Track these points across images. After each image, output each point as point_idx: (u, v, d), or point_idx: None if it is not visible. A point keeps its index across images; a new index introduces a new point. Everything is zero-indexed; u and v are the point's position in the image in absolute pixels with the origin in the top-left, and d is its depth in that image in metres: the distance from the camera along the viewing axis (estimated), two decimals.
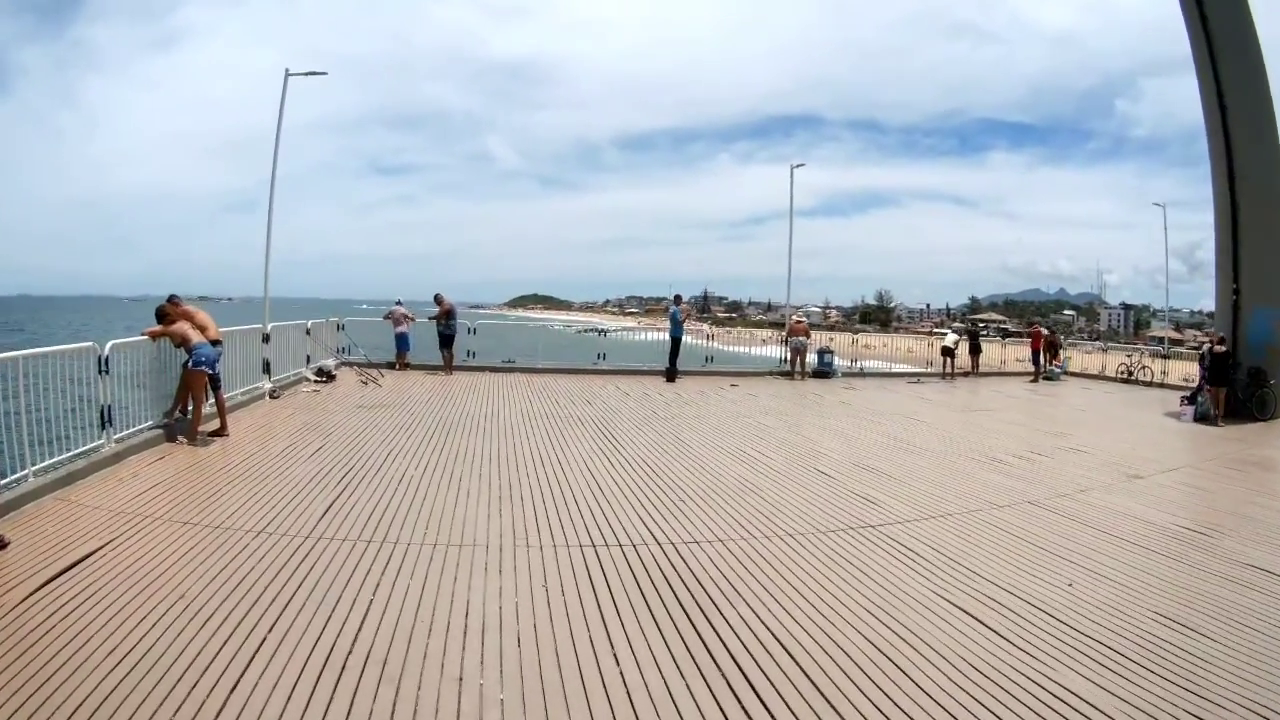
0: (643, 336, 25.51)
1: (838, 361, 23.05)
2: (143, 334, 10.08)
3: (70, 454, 8.14)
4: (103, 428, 8.85)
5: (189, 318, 10.59)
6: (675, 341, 19.85)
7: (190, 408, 10.30)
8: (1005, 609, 5.47)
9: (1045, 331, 25.21)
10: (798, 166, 23.92)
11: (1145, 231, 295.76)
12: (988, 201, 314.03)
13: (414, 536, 6.62)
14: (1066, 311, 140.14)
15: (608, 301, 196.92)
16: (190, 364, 10.04)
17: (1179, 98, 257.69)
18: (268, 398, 13.81)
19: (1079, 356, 28.40)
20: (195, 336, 10.22)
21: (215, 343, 10.75)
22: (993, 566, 6.39)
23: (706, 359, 22.07)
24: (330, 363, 17.47)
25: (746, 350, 26.35)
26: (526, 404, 14.30)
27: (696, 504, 7.94)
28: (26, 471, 7.36)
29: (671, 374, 19.53)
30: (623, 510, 7.64)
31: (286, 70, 15.47)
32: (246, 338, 13.73)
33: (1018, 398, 19.65)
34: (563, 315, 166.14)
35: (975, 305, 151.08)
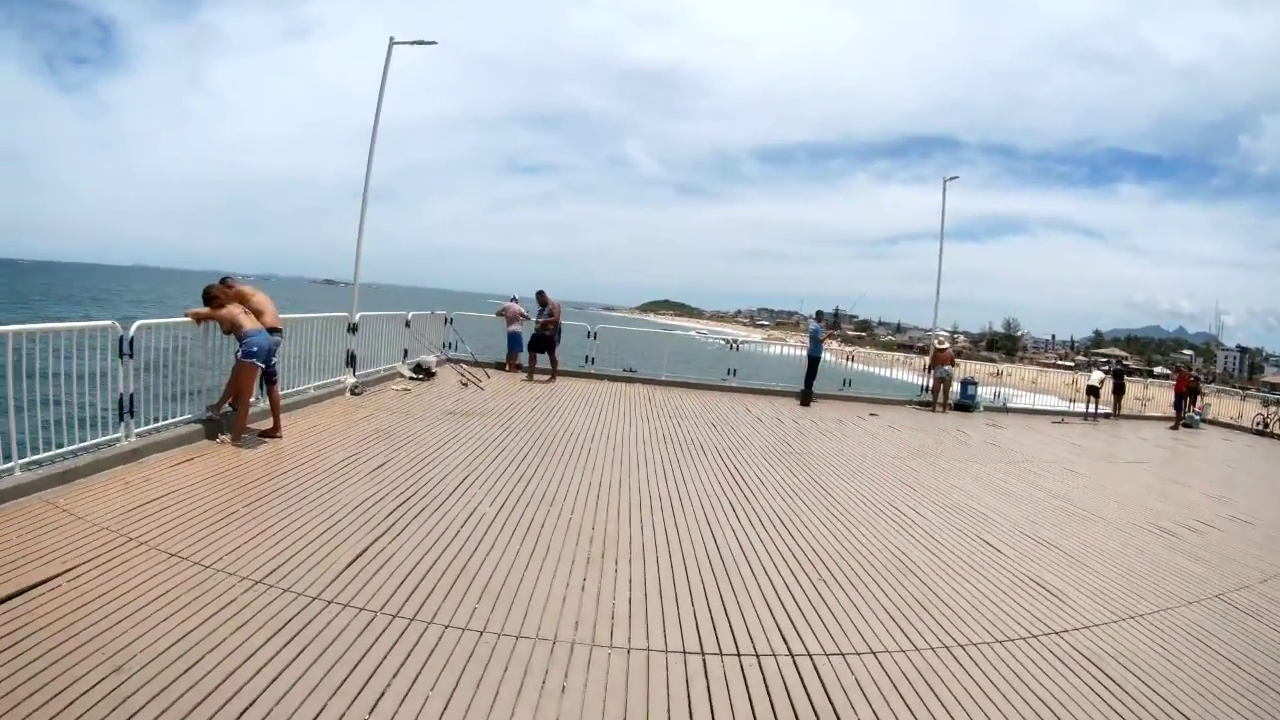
0: (774, 350, 23.12)
1: (980, 393, 20.35)
2: (185, 314, 8.54)
3: (74, 447, 6.70)
4: (121, 419, 7.35)
5: (243, 300, 8.90)
6: (813, 362, 17.70)
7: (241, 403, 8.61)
8: None
9: (1191, 375, 23.37)
10: (951, 179, 21.14)
11: (1262, 273, 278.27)
12: (1114, 234, 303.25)
13: (456, 615, 4.64)
14: (1185, 351, 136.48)
15: (739, 312, 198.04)
16: (240, 354, 8.37)
17: None
18: (348, 394, 12.20)
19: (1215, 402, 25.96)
20: (249, 323, 8.52)
21: (273, 330, 9.06)
22: (1207, 707, 4.57)
23: (844, 382, 19.51)
24: (431, 359, 15.76)
25: (884, 373, 23.73)
26: (643, 422, 12.23)
27: (841, 587, 5.77)
28: (12, 464, 6.02)
29: (807, 397, 17.29)
30: (747, 592, 5.47)
31: (391, 38, 13.88)
32: (330, 327, 12.23)
33: (1165, 447, 17.52)
34: (694, 323, 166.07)
35: (1099, 339, 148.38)
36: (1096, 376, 22.21)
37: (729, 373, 18.73)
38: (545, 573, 5.36)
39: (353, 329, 13.00)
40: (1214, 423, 24.02)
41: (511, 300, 18.24)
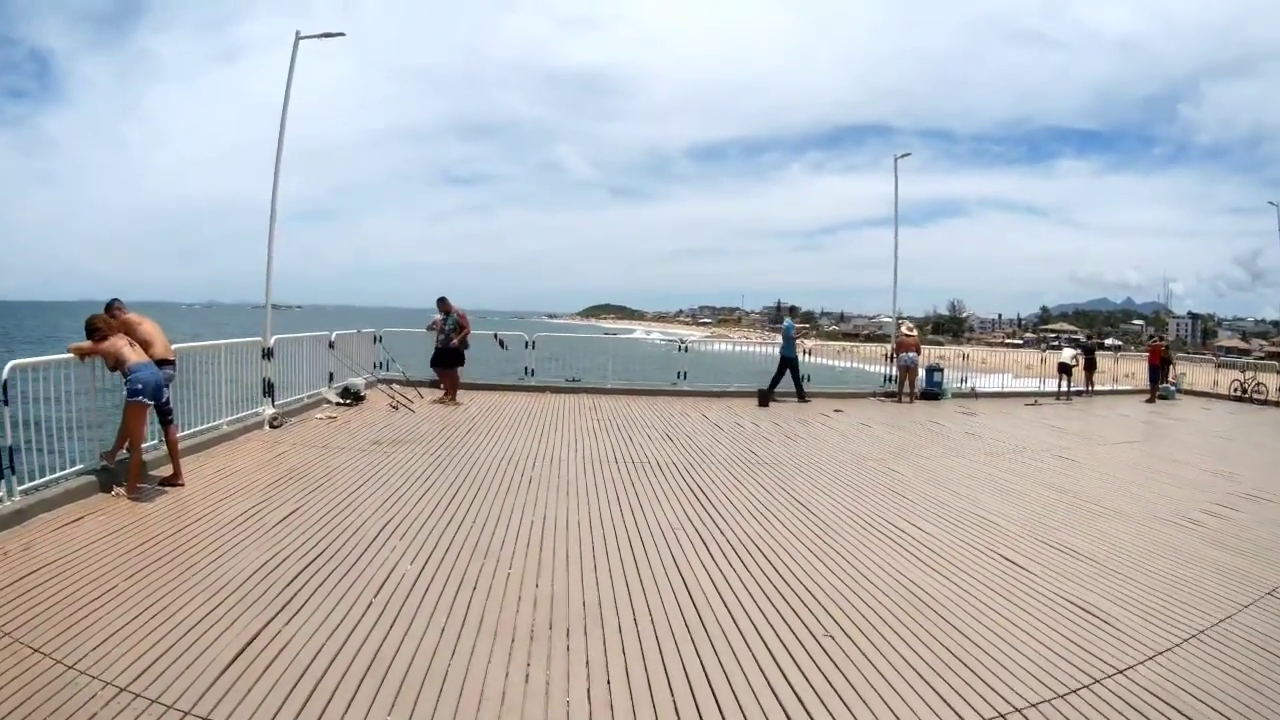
0: (723, 348, 22.32)
1: (946, 379, 19.78)
2: (68, 350, 7.38)
3: None
4: (0, 476, 6.34)
5: (129, 329, 7.75)
6: (787, 363, 17.11)
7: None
8: None
9: (1163, 346, 22.76)
10: (903, 157, 20.53)
11: (1208, 239, 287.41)
12: (1056, 210, 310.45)
13: None
14: (1135, 321, 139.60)
15: (680, 311, 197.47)
16: (127, 393, 7.23)
17: (1239, 101, 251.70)
18: (267, 427, 11.06)
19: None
20: (133, 356, 7.37)
21: (164, 363, 7.93)
22: None
23: (803, 376, 18.73)
24: (360, 382, 14.61)
25: (839, 364, 23.12)
26: (591, 439, 11.24)
27: (850, 638, 4.74)
28: None
29: (766, 398, 16.56)
30: (737, 661, 4.38)
31: (297, 33, 12.68)
32: (240, 354, 11.10)
33: (1150, 423, 17.12)
34: (640, 325, 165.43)
35: (1046, 315, 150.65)
36: (1068, 354, 21.60)
37: (679, 376, 17.89)
38: (479, 656, 4.30)
39: (268, 354, 11.84)
40: (1189, 392, 23.75)
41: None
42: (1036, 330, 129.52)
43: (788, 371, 17.09)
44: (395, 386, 15.46)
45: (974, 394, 19.87)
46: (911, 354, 18.00)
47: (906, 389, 18.13)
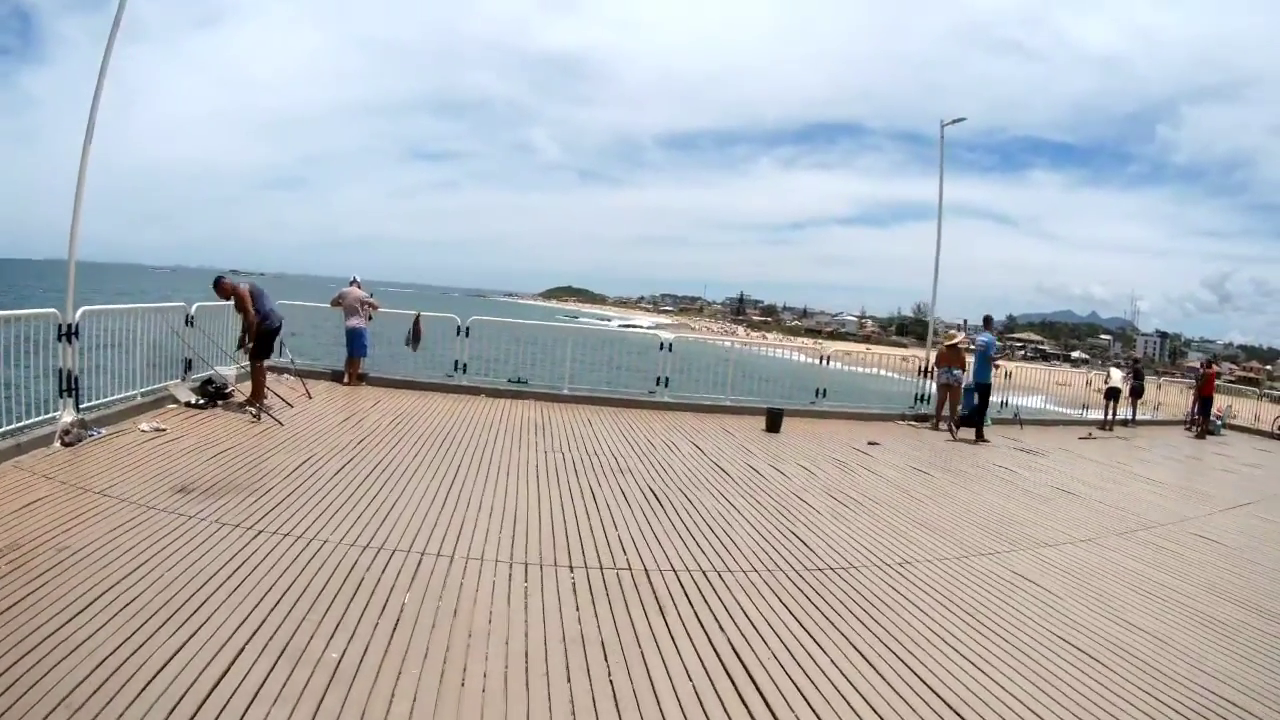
0: (720, 344, 18.18)
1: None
2: None
3: None
4: None
5: None
6: (980, 391, 13.75)
7: None
8: None
9: (1216, 373, 20.51)
10: (951, 123, 16.49)
11: (1178, 259, 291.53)
12: (1026, 220, 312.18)
13: None
14: (1103, 336, 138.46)
15: (642, 298, 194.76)
16: None
17: (1218, 126, 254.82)
18: (57, 444, 7.20)
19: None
20: None
21: None
22: None
23: (819, 392, 14.76)
24: (228, 372, 10.47)
25: (859, 370, 19.26)
26: (529, 498, 7.03)
27: None
28: None
29: (970, 425, 13.58)
30: None
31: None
32: (18, 334, 7.44)
33: (1234, 471, 13.97)
34: (609, 311, 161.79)
35: (1013, 324, 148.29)
36: (1117, 376, 18.86)
37: (658, 383, 13.73)
38: None
39: (68, 335, 7.84)
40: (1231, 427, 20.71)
41: (352, 283, 12.95)
42: (1003, 338, 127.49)
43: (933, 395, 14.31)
44: (287, 377, 11.43)
45: (1019, 421, 16.03)
46: (956, 370, 14.13)
47: (946, 412, 14.31)
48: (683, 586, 5.13)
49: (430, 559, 5.16)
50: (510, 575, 5.04)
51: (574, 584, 5.00)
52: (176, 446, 7.58)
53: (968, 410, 13.81)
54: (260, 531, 5.42)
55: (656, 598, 4.89)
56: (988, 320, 15.67)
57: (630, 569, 5.36)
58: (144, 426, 8.17)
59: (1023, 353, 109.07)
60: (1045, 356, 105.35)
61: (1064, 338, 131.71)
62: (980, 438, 13.26)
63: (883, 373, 19.28)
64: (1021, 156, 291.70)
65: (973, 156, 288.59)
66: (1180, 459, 14.86)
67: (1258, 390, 30.31)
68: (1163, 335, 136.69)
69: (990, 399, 13.93)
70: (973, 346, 14.60)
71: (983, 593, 5.69)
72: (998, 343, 14.33)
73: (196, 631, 3.90)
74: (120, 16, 8.40)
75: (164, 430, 8.15)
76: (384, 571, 4.89)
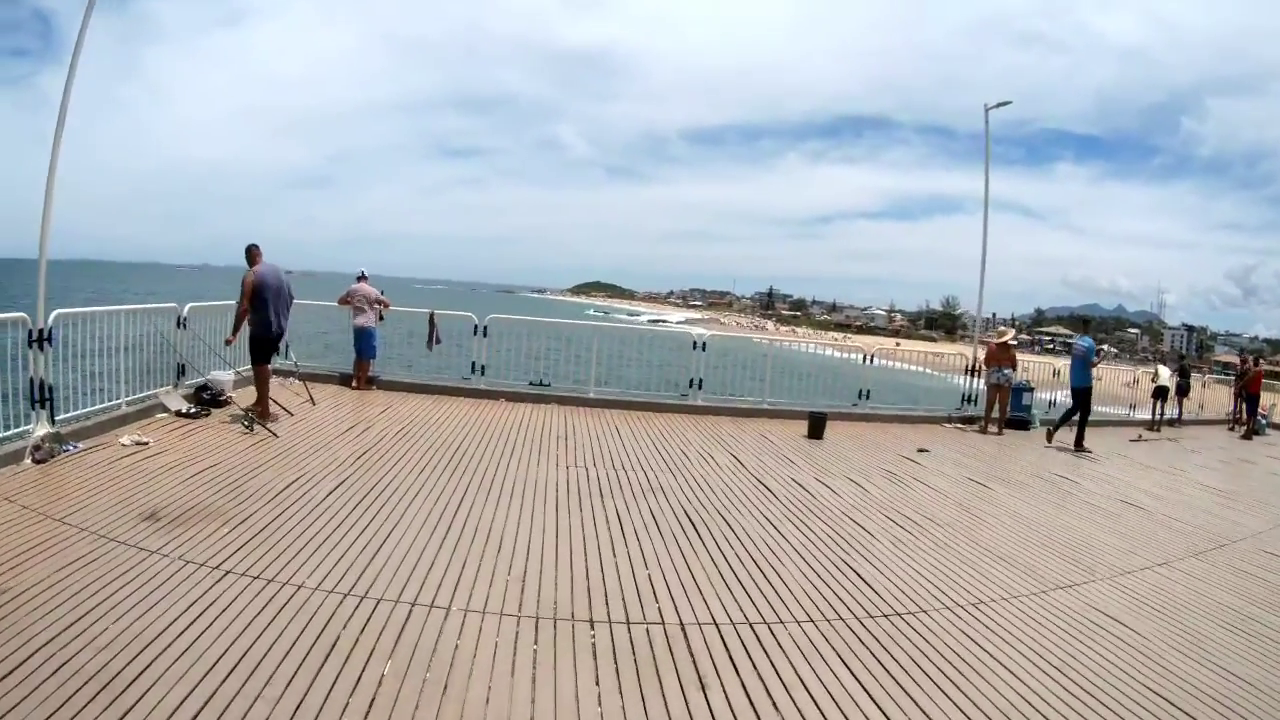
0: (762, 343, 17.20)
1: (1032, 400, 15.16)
2: None
3: None
4: None
5: None
6: (1080, 395, 12.83)
7: None
8: None
9: (1263, 371, 19.60)
10: (996, 107, 15.50)
11: (1203, 252, 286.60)
12: (1052, 214, 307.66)
13: None
14: (1130, 330, 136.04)
15: (671, 293, 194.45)
16: None
17: (1242, 118, 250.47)
18: (28, 461, 6.51)
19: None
20: None
21: None
22: None
23: (861, 394, 13.78)
24: (225, 377, 9.70)
25: (906, 367, 18.28)
26: (547, 521, 6.23)
27: None
28: None
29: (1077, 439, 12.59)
30: None
31: None
32: None
33: None
34: (643, 307, 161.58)
35: (1040, 317, 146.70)
36: (1165, 374, 17.97)
37: (692, 384, 12.77)
38: None
39: (39, 340, 7.17)
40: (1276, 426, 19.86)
41: (360, 278, 12.11)
42: (1031, 332, 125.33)
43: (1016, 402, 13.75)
44: (292, 380, 10.70)
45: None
46: (1007, 370, 13.18)
47: (995, 414, 13.37)
48: (727, 648, 4.18)
49: (422, 611, 4.28)
50: (517, 634, 4.13)
51: (594, 645, 4.08)
52: (155, 463, 6.82)
53: (1017, 411, 12.97)
54: (228, 573, 4.60)
55: (696, 665, 3.96)
56: (1085, 321, 15.09)
57: (663, 622, 4.43)
58: (125, 440, 7.42)
59: (1051, 347, 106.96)
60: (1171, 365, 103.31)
61: (1092, 331, 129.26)
62: (1080, 446, 12.37)
63: (916, 368, 18.33)
64: (1047, 149, 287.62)
65: (999, 150, 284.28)
66: (1234, 463, 13.85)
67: None
68: (1189, 329, 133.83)
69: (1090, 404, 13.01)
70: (1074, 350, 13.69)
71: (1069, 640, 4.77)
72: (1096, 346, 13.38)
73: (130, 710, 3.12)
74: (83, 36, 7.78)
75: (146, 444, 7.40)
76: (364, 629, 4.02)
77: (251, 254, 9.21)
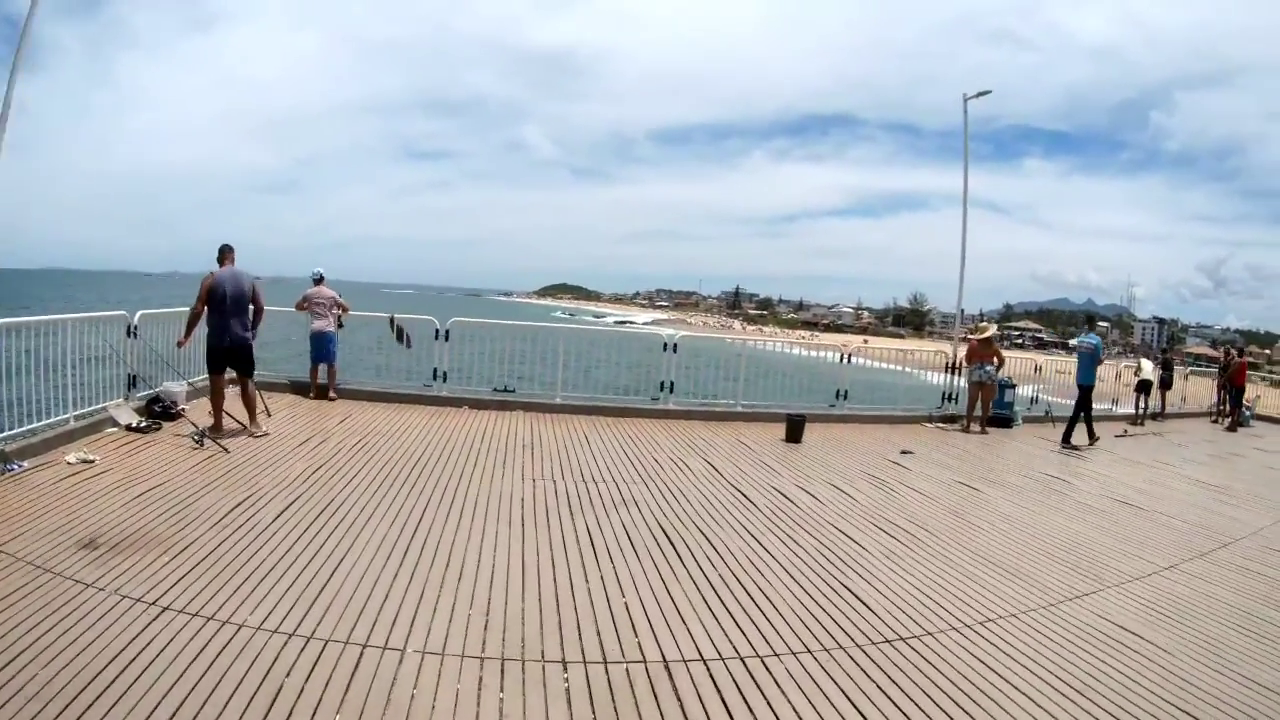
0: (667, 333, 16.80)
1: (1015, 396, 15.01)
2: None
3: None
4: None
5: None
6: (1085, 395, 12.81)
7: None
8: None
9: (1247, 363, 20.13)
10: (975, 97, 15.53)
11: (1173, 245, 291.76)
12: (1020, 209, 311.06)
13: None
14: (1100, 323, 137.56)
15: (637, 294, 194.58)
16: None
17: (1212, 112, 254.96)
18: None
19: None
20: None
21: None
22: None
23: (838, 394, 13.49)
24: (177, 389, 9.18)
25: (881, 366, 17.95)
26: (513, 542, 5.77)
27: None
28: None
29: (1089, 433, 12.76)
30: None
31: None
32: None
33: None
34: (595, 306, 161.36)
35: (1009, 312, 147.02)
36: (1148, 368, 17.92)
37: (663, 388, 12.37)
38: None
39: None
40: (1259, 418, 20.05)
41: (316, 280, 11.58)
42: (1001, 327, 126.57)
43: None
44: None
45: (1050, 418, 14.76)
46: (989, 367, 12.97)
47: (977, 412, 13.15)
48: (718, 688, 3.78)
49: (374, 654, 3.84)
50: (480, 679, 3.70)
51: (568, 690, 3.67)
52: (98, 484, 6.35)
53: (999, 408, 12.76)
54: (165, 609, 4.15)
55: (684, 709, 3.55)
56: (1091, 319, 14.80)
57: (644, 660, 4.02)
58: (70, 458, 6.93)
59: (1020, 342, 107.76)
60: (1043, 345, 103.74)
61: (1061, 325, 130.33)
62: (1092, 436, 12.66)
63: (893, 366, 18.08)
64: (1015, 145, 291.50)
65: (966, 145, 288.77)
66: (1223, 456, 13.82)
67: (1263, 375, 29.60)
68: (1160, 321, 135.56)
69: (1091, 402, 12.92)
70: (1080, 347, 13.43)
71: (1086, 657, 4.48)
72: (1103, 343, 13.34)
73: None
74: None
75: (92, 462, 6.92)
76: (310, 675, 3.59)
77: (222, 256, 8.78)
